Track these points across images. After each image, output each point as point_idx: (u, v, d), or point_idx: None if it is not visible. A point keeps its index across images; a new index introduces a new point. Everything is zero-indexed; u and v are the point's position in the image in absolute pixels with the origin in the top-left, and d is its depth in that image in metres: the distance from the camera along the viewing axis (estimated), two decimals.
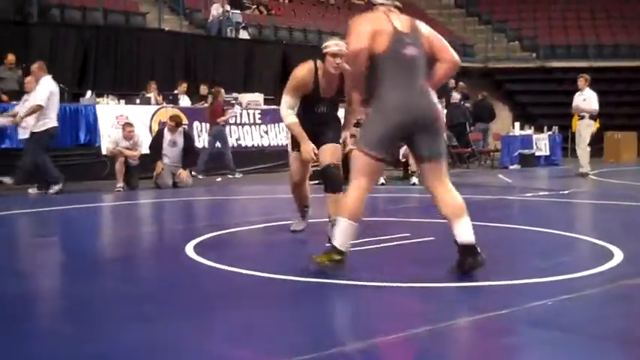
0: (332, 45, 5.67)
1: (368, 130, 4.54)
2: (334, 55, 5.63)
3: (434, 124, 4.52)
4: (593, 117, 13.46)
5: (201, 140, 13.22)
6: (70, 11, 15.57)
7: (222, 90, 13.34)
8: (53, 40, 14.03)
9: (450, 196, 4.58)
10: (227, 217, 8.11)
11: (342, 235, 4.55)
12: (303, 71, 5.78)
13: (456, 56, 4.69)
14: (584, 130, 13.42)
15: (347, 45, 4.43)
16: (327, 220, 5.92)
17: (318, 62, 5.76)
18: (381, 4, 4.62)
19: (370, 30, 4.42)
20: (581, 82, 13.55)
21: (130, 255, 5.84)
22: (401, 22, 4.55)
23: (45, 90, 9.99)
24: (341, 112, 6.17)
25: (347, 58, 4.46)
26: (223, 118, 12.96)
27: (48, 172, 10.05)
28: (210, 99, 14.08)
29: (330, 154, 5.91)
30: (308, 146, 5.78)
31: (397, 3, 4.68)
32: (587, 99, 13.36)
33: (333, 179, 5.92)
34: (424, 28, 4.65)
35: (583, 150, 13.46)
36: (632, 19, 24.39)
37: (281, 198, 10.00)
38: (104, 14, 15.83)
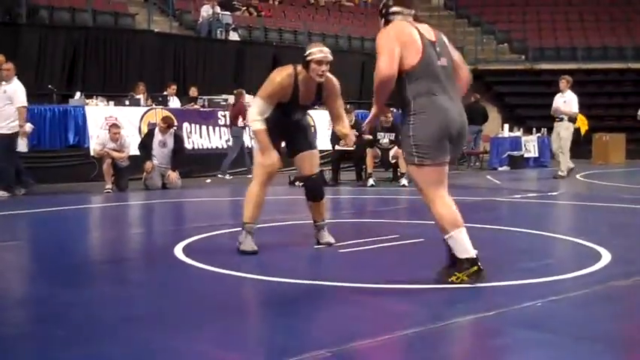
0: (316, 52, 5.38)
1: (421, 141, 4.29)
2: (319, 62, 5.36)
3: (465, 136, 4.52)
4: (571, 119, 13.30)
5: (191, 142, 13.20)
6: (59, 12, 15.51)
7: (244, 91, 13.40)
8: (42, 41, 13.99)
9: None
10: (216, 218, 8.09)
11: (461, 245, 4.34)
12: (282, 76, 5.48)
13: (469, 73, 4.70)
14: (564, 132, 13.25)
15: (378, 66, 4.28)
16: (313, 224, 5.90)
17: (298, 67, 5.47)
18: (399, 13, 4.53)
19: (399, 49, 4.30)
20: (563, 83, 13.34)
21: (119, 257, 5.82)
22: (427, 32, 4.46)
23: (23, 91, 9.92)
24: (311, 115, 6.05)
25: (377, 81, 4.30)
26: (246, 121, 13.08)
27: (7, 176, 9.89)
28: (200, 101, 14.08)
29: (309, 163, 5.76)
30: (273, 156, 5.52)
31: (414, 12, 4.62)
32: (567, 101, 13.17)
33: (316, 190, 5.82)
34: (445, 38, 4.61)
35: (565, 154, 13.31)
36: (620, 21, 24.53)
37: (270, 199, 9.99)
38: (93, 15, 15.79)
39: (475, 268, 4.34)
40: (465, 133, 4.49)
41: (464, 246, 4.35)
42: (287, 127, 5.67)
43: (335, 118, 5.86)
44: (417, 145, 4.31)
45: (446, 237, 4.37)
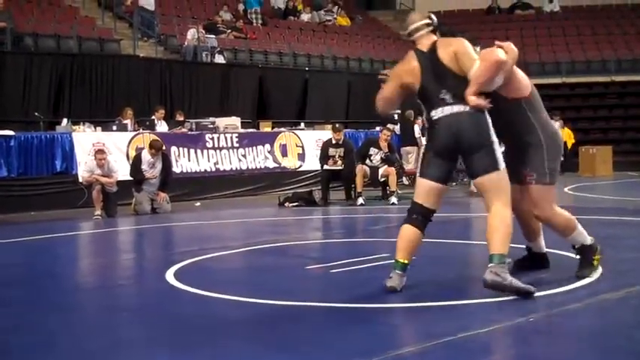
0: None
1: (554, 163, 4.95)
2: None
3: None
4: None
5: (179, 165, 13.17)
6: (44, 39, 15.50)
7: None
8: (27, 69, 13.96)
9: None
10: (207, 242, 8.06)
11: (583, 236, 5.17)
12: None
13: None
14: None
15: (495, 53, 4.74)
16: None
17: None
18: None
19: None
20: None
21: (110, 283, 5.79)
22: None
23: None
24: None
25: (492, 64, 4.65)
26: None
27: None
28: (187, 124, 14.07)
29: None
30: None
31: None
32: None
33: None
34: None
35: None
36: (603, 35, 24.77)
37: (260, 222, 9.98)
38: (78, 42, 15.78)
39: (599, 248, 5.18)
40: None
41: (585, 236, 5.12)
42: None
43: None
44: (550, 167, 4.91)
45: (569, 238, 5.11)
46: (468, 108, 4.58)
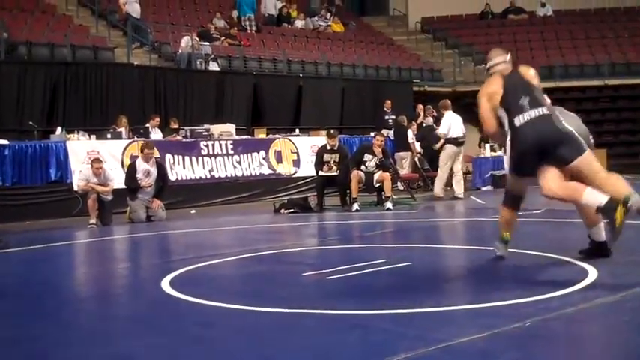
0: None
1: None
2: None
3: None
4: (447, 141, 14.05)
5: (174, 173, 13.17)
6: (38, 48, 15.51)
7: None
8: (21, 78, 13.96)
9: None
10: (202, 249, 8.05)
11: (594, 198, 5.16)
12: None
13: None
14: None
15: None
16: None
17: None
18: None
19: None
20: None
21: (106, 292, 5.78)
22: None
23: None
24: None
25: None
26: None
27: None
28: (182, 132, 14.06)
29: None
30: None
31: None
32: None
33: None
34: None
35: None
36: (596, 38, 24.86)
37: (255, 229, 9.98)
38: (72, 50, 15.78)
39: (621, 202, 4.98)
40: None
41: (597, 198, 5.09)
42: None
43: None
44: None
45: (582, 201, 5.25)
46: (544, 111, 5.41)
